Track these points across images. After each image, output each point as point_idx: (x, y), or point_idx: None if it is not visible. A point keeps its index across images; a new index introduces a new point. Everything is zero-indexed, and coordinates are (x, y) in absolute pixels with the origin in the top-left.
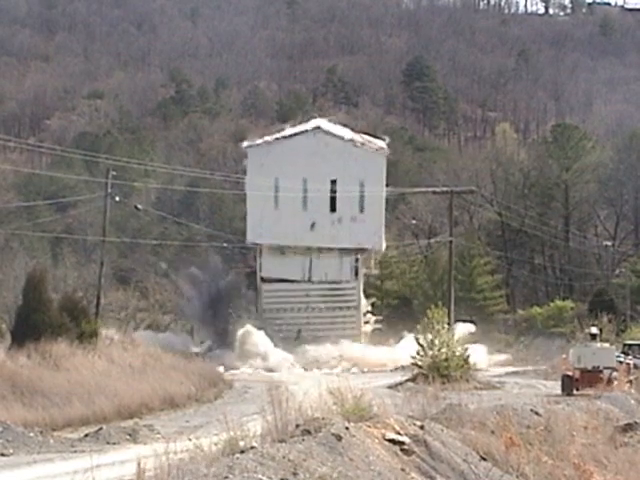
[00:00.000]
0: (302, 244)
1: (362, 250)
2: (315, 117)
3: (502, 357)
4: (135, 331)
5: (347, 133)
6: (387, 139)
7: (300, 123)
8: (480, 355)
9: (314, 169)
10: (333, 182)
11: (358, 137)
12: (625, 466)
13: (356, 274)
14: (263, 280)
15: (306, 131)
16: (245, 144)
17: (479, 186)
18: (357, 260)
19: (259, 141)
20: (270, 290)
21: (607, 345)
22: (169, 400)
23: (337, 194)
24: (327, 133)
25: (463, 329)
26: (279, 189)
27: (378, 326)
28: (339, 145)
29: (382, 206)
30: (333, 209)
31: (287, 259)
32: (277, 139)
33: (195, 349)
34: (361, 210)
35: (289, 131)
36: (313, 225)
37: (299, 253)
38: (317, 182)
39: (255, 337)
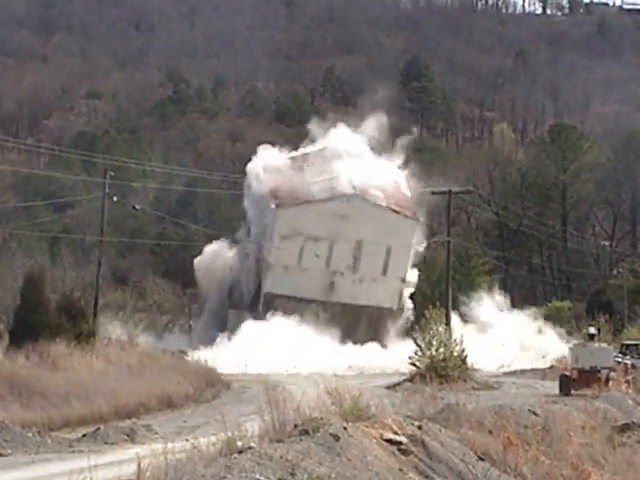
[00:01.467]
0: (320, 299)
1: (381, 309)
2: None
3: None
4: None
5: (379, 193)
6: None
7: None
8: (553, 343)
9: (342, 230)
10: (359, 242)
11: (392, 200)
12: (623, 466)
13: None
14: None
15: (341, 196)
16: (274, 203)
17: (477, 186)
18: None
19: (290, 202)
20: None
21: (605, 345)
22: (167, 400)
23: (362, 256)
24: (361, 199)
25: (495, 304)
26: (304, 246)
27: None
28: (372, 211)
29: (407, 270)
30: (356, 270)
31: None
32: (309, 202)
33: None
34: (384, 273)
35: (322, 193)
36: (332, 284)
37: (315, 309)
38: (343, 241)
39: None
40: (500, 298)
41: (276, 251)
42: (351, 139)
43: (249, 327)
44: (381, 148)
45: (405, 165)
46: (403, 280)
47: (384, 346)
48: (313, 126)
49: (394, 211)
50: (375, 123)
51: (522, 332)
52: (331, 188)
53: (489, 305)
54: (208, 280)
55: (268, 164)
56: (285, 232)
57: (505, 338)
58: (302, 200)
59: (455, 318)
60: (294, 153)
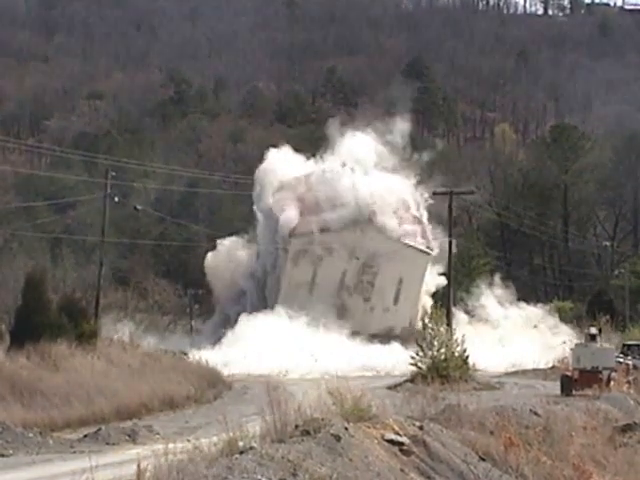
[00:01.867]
0: (331, 327)
1: (391, 335)
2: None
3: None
4: (137, 331)
5: (394, 224)
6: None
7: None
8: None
9: (354, 260)
10: (372, 273)
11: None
12: (624, 467)
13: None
14: None
15: (354, 226)
16: (288, 231)
17: (478, 187)
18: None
19: (305, 230)
20: None
21: (607, 345)
22: (168, 401)
23: (374, 286)
24: (375, 230)
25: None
26: (317, 274)
27: None
28: (385, 242)
29: (418, 300)
30: (367, 298)
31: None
32: (323, 230)
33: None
34: (395, 302)
35: (336, 222)
36: (344, 310)
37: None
38: (355, 270)
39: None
40: (504, 292)
41: (287, 280)
42: (367, 149)
43: (255, 326)
44: (401, 160)
45: (423, 180)
46: (414, 308)
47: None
48: (331, 129)
49: (408, 244)
50: (399, 129)
51: (535, 330)
52: (344, 216)
53: (494, 301)
54: (219, 279)
55: (282, 180)
56: (297, 260)
57: (519, 337)
58: (315, 230)
59: (463, 317)
60: (306, 170)
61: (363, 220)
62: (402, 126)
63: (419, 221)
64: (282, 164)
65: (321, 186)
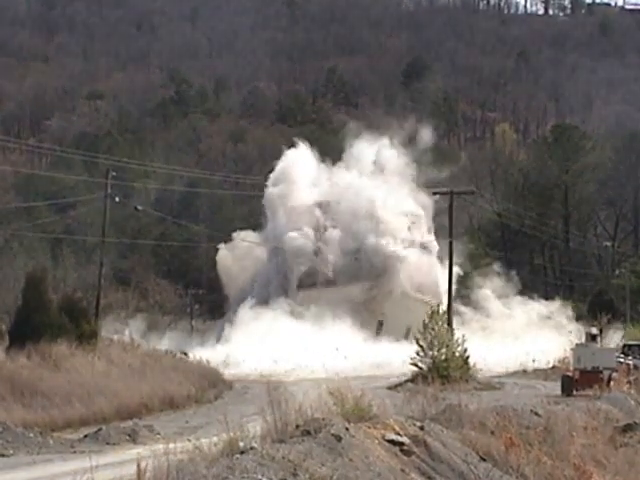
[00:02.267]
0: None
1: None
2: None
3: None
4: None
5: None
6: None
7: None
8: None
9: (362, 311)
10: (380, 322)
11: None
12: (625, 467)
13: None
14: None
15: (361, 279)
16: (294, 281)
17: (479, 187)
18: None
19: (311, 282)
20: None
21: (611, 345)
22: (169, 401)
23: (381, 331)
24: (382, 284)
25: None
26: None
27: None
28: (393, 296)
29: None
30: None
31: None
32: (329, 286)
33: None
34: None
35: (343, 276)
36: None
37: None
38: (362, 321)
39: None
40: (505, 286)
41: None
42: (383, 158)
43: (258, 325)
44: (419, 171)
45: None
46: None
47: None
48: (349, 129)
49: (414, 299)
50: (422, 138)
51: (545, 327)
52: (353, 270)
53: (498, 298)
54: (232, 278)
55: (298, 203)
56: (305, 306)
57: (530, 334)
58: (322, 283)
59: (469, 315)
60: (324, 178)
61: (372, 276)
62: (426, 136)
63: (428, 247)
64: (305, 163)
65: (334, 215)
